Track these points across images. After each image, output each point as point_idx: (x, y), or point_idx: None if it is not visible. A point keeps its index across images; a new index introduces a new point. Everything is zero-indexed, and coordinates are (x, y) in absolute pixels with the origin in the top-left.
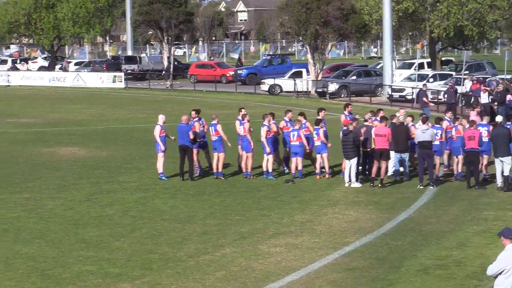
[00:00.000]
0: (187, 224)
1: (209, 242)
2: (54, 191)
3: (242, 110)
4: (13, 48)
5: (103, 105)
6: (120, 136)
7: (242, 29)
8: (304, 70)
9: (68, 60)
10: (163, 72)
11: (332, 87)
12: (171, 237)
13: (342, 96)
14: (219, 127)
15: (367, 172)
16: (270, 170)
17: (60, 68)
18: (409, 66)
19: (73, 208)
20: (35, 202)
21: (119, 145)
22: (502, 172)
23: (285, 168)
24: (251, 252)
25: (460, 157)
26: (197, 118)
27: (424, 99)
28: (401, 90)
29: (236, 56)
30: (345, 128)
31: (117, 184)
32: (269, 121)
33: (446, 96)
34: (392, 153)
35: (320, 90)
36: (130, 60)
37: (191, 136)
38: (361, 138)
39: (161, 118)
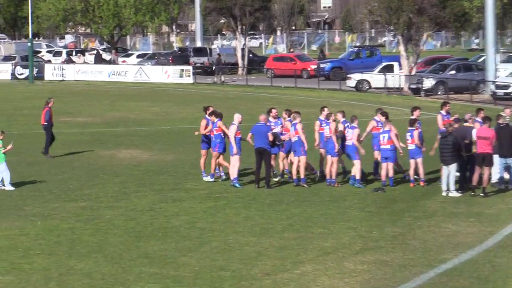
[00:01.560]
0: (263, 238)
1: (287, 258)
2: (113, 199)
3: (325, 109)
4: (68, 39)
5: (169, 102)
6: (187, 137)
7: (326, 17)
8: (395, 64)
9: (117, 52)
10: (213, 66)
11: (428, 83)
12: (245, 252)
13: (439, 93)
14: (299, 126)
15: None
16: (357, 177)
17: (109, 61)
18: None
19: (135, 219)
20: (91, 212)
21: (186, 147)
22: None
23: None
24: (335, 269)
25: None
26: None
27: None
28: (506, 86)
29: (316, 47)
30: (443, 129)
31: (184, 191)
32: (357, 124)
33: None
34: (496, 158)
35: (414, 86)
36: (199, 52)
37: (270, 138)
38: (466, 141)
39: (237, 118)
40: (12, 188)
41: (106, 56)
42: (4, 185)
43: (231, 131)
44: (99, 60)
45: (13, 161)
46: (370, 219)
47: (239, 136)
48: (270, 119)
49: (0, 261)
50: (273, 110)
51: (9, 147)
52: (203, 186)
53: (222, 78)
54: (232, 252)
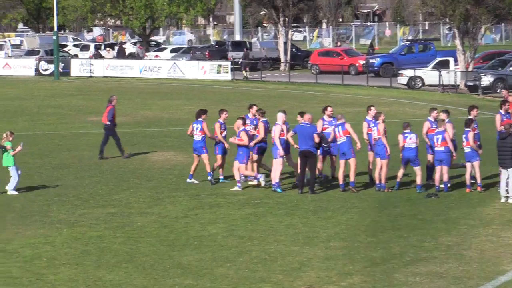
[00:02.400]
0: (307, 247)
1: (333, 269)
2: (145, 205)
3: (372, 108)
4: (97, 31)
5: (205, 100)
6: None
7: (376, 8)
8: (451, 59)
9: (141, 46)
10: (240, 61)
11: (486, 80)
12: (287, 263)
13: (498, 91)
14: (347, 126)
15: None
16: (418, 181)
17: (133, 56)
18: None
19: (168, 226)
20: (122, 219)
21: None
22: None
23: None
24: (384, 281)
25: None
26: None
27: None
28: None
29: (368, 41)
30: (502, 130)
31: (221, 197)
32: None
33: None
34: None
35: (471, 83)
36: (238, 46)
37: (316, 140)
38: None
39: (280, 117)
40: (15, 193)
41: (130, 50)
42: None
43: (276, 132)
44: (122, 54)
45: (37, 164)
46: (422, 228)
47: (284, 137)
48: (325, 117)
49: (24, 272)
50: (329, 108)
51: (18, 148)
52: (242, 191)
53: (245, 74)
54: (273, 263)
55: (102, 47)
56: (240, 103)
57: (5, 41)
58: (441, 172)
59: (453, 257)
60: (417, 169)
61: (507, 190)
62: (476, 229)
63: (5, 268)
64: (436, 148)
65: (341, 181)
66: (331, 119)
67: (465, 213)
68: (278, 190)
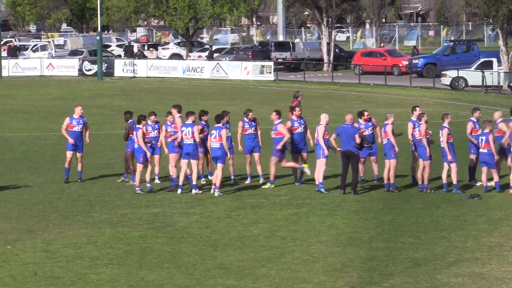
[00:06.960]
0: (349, 248)
1: (375, 270)
2: (187, 205)
3: (417, 108)
4: (140, 32)
5: (248, 101)
6: (268, 139)
7: (419, 9)
8: (494, 60)
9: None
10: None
11: None
12: (329, 263)
13: None
14: (388, 128)
15: None
16: (454, 181)
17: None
18: None
19: (210, 227)
20: (164, 219)
21: (266, 149)
22: None
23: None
24: (426, 282)
25: None
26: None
27: None
28: None
29: (411, 42)
30: None
31: (263, 197)
32: (449, 123)
33: None
34: None
35: None
36: (281, 46)
37: (358, 140)
38: None
39: (324, 118)
40: None
41: (174, 50)
42: None
43: (319, 132)
44: (130, 53)
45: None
46: (465, 228)
47: (327, 137)
48: (361, 121)
49: (66, 271)
50: (365, 113)
51: None
52: (284, 191)
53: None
54: (315, 263)
55: (146, 48)
56: (284, 104)
57: (49, 41)
58: (487, 173)
59: (495, 258)
60: (453, 166)
61: None
62: None
63: (48, 267)
64: (480, 150)
65: (385, 181)
66: (368, 122)
67: (507, 214)
68: (322, 190)
